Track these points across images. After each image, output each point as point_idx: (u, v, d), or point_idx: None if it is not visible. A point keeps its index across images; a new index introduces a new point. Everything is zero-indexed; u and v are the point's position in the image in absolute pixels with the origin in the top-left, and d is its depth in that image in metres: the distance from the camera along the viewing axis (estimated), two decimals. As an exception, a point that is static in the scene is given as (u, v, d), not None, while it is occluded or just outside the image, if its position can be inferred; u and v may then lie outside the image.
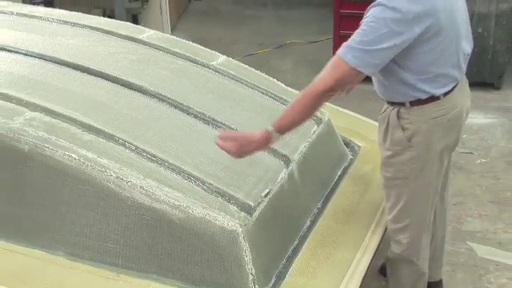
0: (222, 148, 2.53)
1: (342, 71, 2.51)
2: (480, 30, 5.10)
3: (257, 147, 2.57)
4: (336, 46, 5.44)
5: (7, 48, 3.22)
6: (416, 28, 2.46)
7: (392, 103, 2.72)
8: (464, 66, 2.76)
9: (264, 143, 2.56)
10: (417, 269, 2.97)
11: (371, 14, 2.51)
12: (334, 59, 2.56)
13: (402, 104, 2.68)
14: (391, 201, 2.85)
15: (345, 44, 2.54)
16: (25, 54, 3.19)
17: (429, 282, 3.24)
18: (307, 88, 2.55)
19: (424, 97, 2.64)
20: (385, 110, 2.78)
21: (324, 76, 2.56)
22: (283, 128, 2.55)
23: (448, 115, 2.70)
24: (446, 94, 2.68)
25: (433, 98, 2.66)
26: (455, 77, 2.70)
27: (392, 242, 2.95)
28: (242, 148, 2.54)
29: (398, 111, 2.69)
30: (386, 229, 2.98)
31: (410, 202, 2.80)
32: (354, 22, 5.35)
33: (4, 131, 2.63)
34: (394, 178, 2.79)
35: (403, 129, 2.69)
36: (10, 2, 4.00)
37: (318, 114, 3.23)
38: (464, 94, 2.79)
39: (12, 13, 3.73)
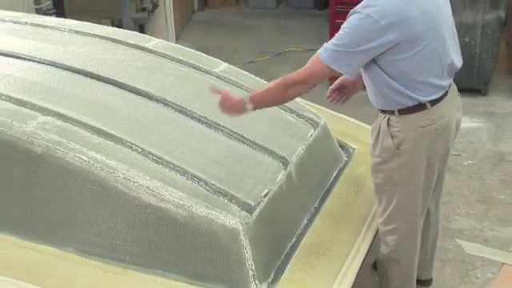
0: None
1: (316, 67, 2.58)
2: (467, 39, 5.09)
3: (231, 107, 2.67)
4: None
5: (22, 56, 3.22)
6: (390, 35, 2.45)
7: (383, 111, 2.71)
8: (450, 78, 2.73)
9: (237, 107, 2.65)
10: (404, 270, 2.96)
11: (349, 20, 2.60)
12: (312, 57, 2.63)
13: (392, 112, 2.66)
14: (382, 205, 2.83)
15: (324, 45, 2.60)
16: (38, 62, 3.18)
17: (419, 280, 3.24)
18: (286, 76, 2.64)
19: (411, 104, 2.61)
20: (377, 119, 2.76)
21: (300, 70, 2.64)
22: (255, 102, 2.64)
23: (435, 125, 2.66)
24: (432, 103, 2.64)
25: (420, 107, 2.63)
26: (440, 86, 2.66)
27: (381, 243, 2.94)
28: (221, 103, 2.68)
29: (388, 119, 2.67)
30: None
31: (399, 207, 2.78)
32: (348, 31, 5.37)
33: (18, 134, 2.62)
34: (383, 183, 2.78)
35: (392, 136, 2.67)
36: (25, 13, 4.00)
37: (314, 118, 3.23)
38: (454, 106, 2.77)
39: (26, 23, 3.73)
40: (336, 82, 3.05)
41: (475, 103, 5.09)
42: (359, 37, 2.50)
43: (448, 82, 2.72)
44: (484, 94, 5.28)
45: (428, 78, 2.62)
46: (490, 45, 5.12)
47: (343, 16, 5.15)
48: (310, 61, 2.63)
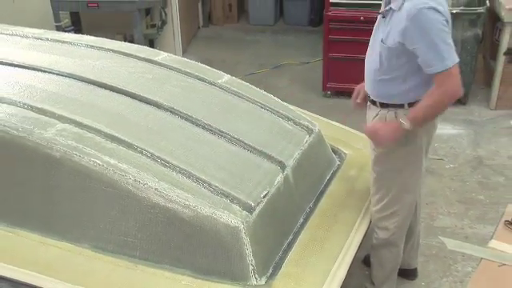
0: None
1: (454, 74, 2.52)
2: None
3: (388, 132, 2.64)
4: (325, 67, 5.48)
5: (43, 69, 3.22)
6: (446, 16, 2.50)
7: (388, 105, 2.70)
8: None
9: (395, 129, 2.63)
10: (398, 253, 2.99)
11: (420, 20, 2.46)
12: (440, 73, 2.50)
13: (401, 106, 2.67)
14: (381, 192, 2.84)
15: (437, 58, 2.49)
16: (57, 74, 3.18)
17: (406, 269, 3.24)
18: (442, 92, 2.53)
19: (423, 95, 2.60)
20: (377, 114, 2.75)
21: (448, 84, 2.52)
22: (416, 120, 2.59)
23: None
24: None
25: None
26: None
27: (378, 230, 2.95)
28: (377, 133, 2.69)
29: (395, 113, 2.68)
30: (369, 225, 2.96)
31: (400, 191, 2.81)
32: (340, 46, 5.42)
33: (39, 140, 2.63)
34: (387, 170, 2.80)
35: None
36: (46, 30, 4.00)
37: (309, 125, 3.22)
38: None
39: (47, 39, 3.73)
40: (357, 95, 3.02)
41: (456, 112, 5.10)
42: (444, 30, 2.47)
43: None
44: (464, 103, 5.28)
45: None
46: (469, 59, 5.12)
47: (336, 32, 5.28)
48: (439, 78, 2.52)
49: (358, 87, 3.02)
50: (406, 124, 2.57)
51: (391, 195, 2.83)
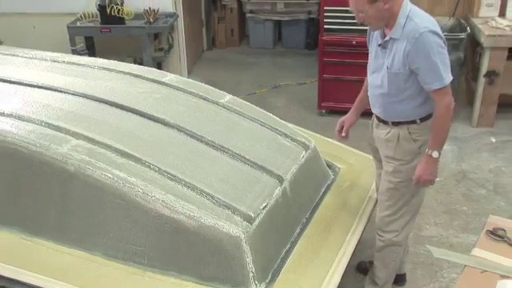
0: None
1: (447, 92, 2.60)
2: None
3: (428, 172, 2.70)
4: (320, 87, 5.48)
5: (59, 89, 3.22)
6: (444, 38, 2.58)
7: (400, 123, 2.73)
8: None
9: (432, 167, 2.69)
10: (400, 252, 3.01)
11: (422, 42, 2.52)
12: (436, 90, 2.58)
13: (413, 121, 2.70)
14: (393, 199, 2.85)
15: (435, 78, 2.56)
16: (72, 94, 3.18)
17: (397, 274, 3.23)
18: (441, 112, 2.62)
19: (432, 110, 2.68)
20: (389, 132, 2.77)
21: (442, 99, 2.60)
22: (438, 146, 2.66)
23: None
24: None
25: (432, 113, 2.71)
26: None
27: (384, 233, 2.94)
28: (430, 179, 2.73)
29: (408, 128, 2.72)
30: (362, 233, 2.95)
31: (411, 196, 2.84)
32: (334, 68, 5.44)
33: (55, 155, 2.63)
34: (402, 181, 2.80)
35: (414, 140, 2.73)
36: (63, 53, 4.02)
37: (306, 141, 3.22)
38: None
39: (64, 61, 3.74)
40: (342, 127, 3.08)
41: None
42: (443, 51, 2.56)
43: None
44: (448, 121, 5.27)
45: None
46: (453, 80, 5.10)
47: (330, 55, 5.29)
48: (437, 94, 2.59)
49: (340, 121, 3.08)
50: (435, 154, 2.65)
51: (402, 201, 2.85)
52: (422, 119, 2.70)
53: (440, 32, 2.56)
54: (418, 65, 2.54)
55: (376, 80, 2.75)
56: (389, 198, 2.87)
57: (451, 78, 2.57)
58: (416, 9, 2.61)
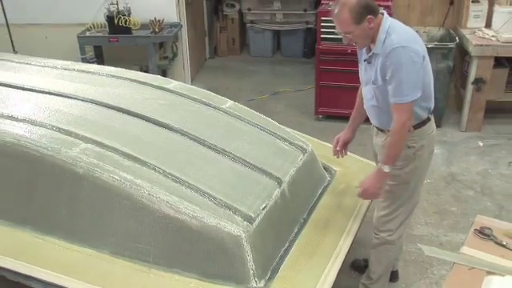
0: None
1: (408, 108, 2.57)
2: (425, 82, 5.10)
3: (375, 185, 2.68)
4: (317, 93, 5.48)
5: (69, 95, 3.23)
6: (421, 52, 2.53)
7: None
8: None
9: (379, 179, 2.67)
10: (395, 251, 3.02)
11: (394, 58, 2.50)
12: (396, 105, 2.57)
13: None
14: (389, 201, 2.86)
15: (396, 93, 2.54)
16: (81, 100, 3.18)
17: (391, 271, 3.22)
18: (395, 128, 2.60)
19: (425, 116, 2.68)
20: (386, 139, 2.75)
21: (399, 115, 2.58)
22: (391, 161, 2.63)
23: (434, 131, 2.80)
24: (431, 115, 2.75)
25: (427, 119, 2.71)
26: (433, 98, 2.75)
27: (380, 232, 2.94)
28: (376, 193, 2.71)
29: None
30: (356, 233, 2.94)
31: (406, 198, 2.84)
32: (330, 75, 5.44)
33: (65, 158, 2.64)
34: (397, 184, 2.79)
35: (409, 147, 2.71)
36: (73, 62, 4.03)
37: (303, 145, 3.21)
38: None
39: (74, 69, 3.75)
40: (337, 144, 3.09)
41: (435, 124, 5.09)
42: (413, 67, 2.50)
43: None
44: (438, 126, 5.19)
45: (431, 89, 2.71)
46: (443, 87, 5.12)
47: (326, 63, 5.29)
48: (395, 108, 2.57)
49: (336, 138, 3.10)
50: (386, 168, 2.63)
51: (398, 202, 2.85)
52: (415, 126, 2.69)
53: (414, 44, 2.52)
54: (387, 77, 2.53)
55: (368, 93, 2.77)
56: (385, 199, 2.87)
57: (413, 98, 2.52)
58: (395, 23, 2.59)
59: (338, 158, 3.14)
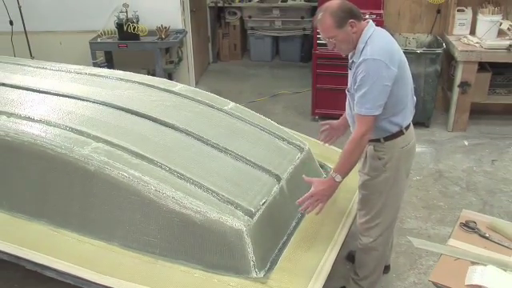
0: (309, 211, 2.56)
1: (365, 121, 2.44)
2: (414, 86, 5.05)
3: (324, 191, 2.53)
4: (314, 95, 5.47)
5: (81, 98, 3.22)
6: (393, 68, 2.38)
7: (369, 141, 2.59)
8: (413, 108, 2.69)
9: (330, 186, 2.53)
10: (379, 255, 2.90)
11: (363, 69, 2.38)
12: (358, 115, 2.45)
13: (378, 140, 2.59)
14: (366, 209, 2.77)
15: (358, 104, 2.43)
16: (93, 102, 3.18)
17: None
18: (352, 138, 2.47)
19: (395, 130, 2.55)
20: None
21: (358, 127, 2.46)
22: (343, 171, 2.51)
23: (409, 145, 2.64)
24: (406, 128, 2.61)
25: (400, 133, 2.58)
26: (411, 111, 2.64)
27: (362, 237, 2.86)
28: (322, 200, 2.54)
29: (374, 146, 2.61)
30: (350, 227, 2.93)
31: (382, 209, 2.73)
32: (326, 78, 5.43)
33: (77, 156, 2.63)
34: (371, 194, 2.71)
35: (379, 158, 2.61)
36: (85, 66, 4.02)
37: (301, 144, 3.20)
38: (413, 132, 2.74)
39: (86, 73, 3.74)
40: (324, 123, 2.99)
41: (421, 133, 5.08)
42: (379, 82, 2.37)
43: (413, 110, 2.68)
44: (427, 126, 5.27)
45: (408, 103, 2.58)
46: (431, 90, 5.12)
47: (322, 67, 5.29)
48: (357, 118, 2.46)
49: (326, 121, 3.02)
50: (338, 178, 2.51)
51: (374, 212, 2.74)
52: (386, 138, 2.58)
53: (389, 60, 2.36)
54: (357, 85, 2.42)
55: (348, 104, 2.68)
56: (362, 207, 2.80)
57: (371, 114, 2.39)
58: (376, 34, 2.45)
59: (320, 139, 3.02)
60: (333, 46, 2.52)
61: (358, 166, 2.73)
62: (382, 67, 2.36)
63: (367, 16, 4.41)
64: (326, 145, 3.08)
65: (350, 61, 2.56)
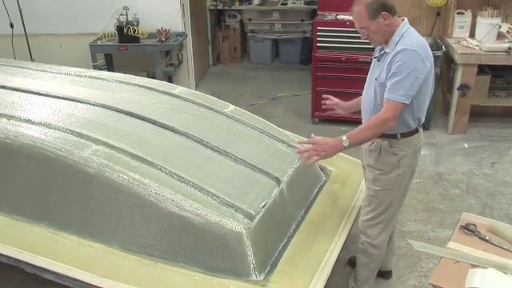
0: (302, 152, 2.60)
1: (395, 106, 2.49)
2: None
3: (329, 147, 2.55)
4: (314, 99, 5.47)
5: (81, 100, 3.22)
6: (427, 63, 2.49)
7: (382, 136, 2.62)
8: None
9: (335, 145, 2.55)
10: (380, 254, 2.94)
11: (399, 59, 2.47)
12: (388, 99, 2.50)
13: (394, 136, 2.63)
14: (373, 205, 2.79)
15: (391, 89, 2.49)
16: (93, 104, 3.17)
17: (384, 271, 3.20)
18: (377, 117, 2.53)
19: (413, 126, 2.62)
20: (372, 142, 2.69)
21: (385, 110, 2.52)
22: (354, 138, 2.54)
23: (420, 143, 2.73)
24: (420, 126, 2.69)
25: (415, 131, 2.65)
26: (425, 111, 2.69)
27: (364, 236, 2.88)
28: (319, 152, 2.56)
29: (389, 142, 2.65)
30: (351, 229, 2.93)
31: (389, 206, 2.77)
32: (326, 81, 5.44)
33: (77, 159, 2.63)
34: (381, 190, 2.74)
35: (394, 154, 2.66)
36: (85, 69, 4.02)
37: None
38: None
39: (86, 76, 3.74)
40: (330, 99, 3.04)
41: (423, 135, 5.08)
42: (414, 72, 2.45)
43: None
44: (427, 129, 5.26)
45: (427, 102, 2.65)
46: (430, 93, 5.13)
47: (322, 70, 5.29)
48: (386, 103, 2.51)
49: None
50: (346, 141, 2.53)
51: (380, 209, 2.78)
52: (403, 135, 2.63)
53: (425, 55, 2.48)
54: (391, 73, 2.48)
55: (367, 92, 2.71)
56: (369, 204, 2.82)
57: (404, 101, 2.47)
58: (412, 31, 2.58)
59: (322, 103, 3.04)
60: (365, 36, 2.60)
61: (367, 161, 2.76)
62: (419, 60, 2.46)
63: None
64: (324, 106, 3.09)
65: (382, 52, 2.62)
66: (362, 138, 2.58)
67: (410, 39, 2.51)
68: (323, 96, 3.06)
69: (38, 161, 2.72)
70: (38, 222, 2.76)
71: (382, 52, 2.61)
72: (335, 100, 3.02)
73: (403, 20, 2.60)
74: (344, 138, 2.54)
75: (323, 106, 3.08)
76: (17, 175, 2.82)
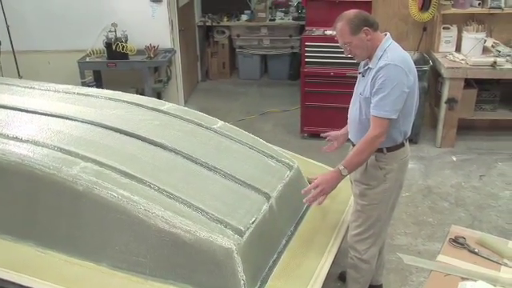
0: (312, 201, 2.64)
1: (382, 123, 2.53)
2: (402, 102, 5.14)
3: (331, 183, 2.59)
4: (302, 114, 5.50)
5: (69, 117, 3.20)
6: (410, 77, 2.52)
7: None
8: None
9: (336, 179, 2.60)
10: (370, 269, 2.94)
11: (383, 74, 2.50)
12: (374, 116, 2.54)
13: (380, 150, 2.64)
14: (361, 220, 2.80)
15: (376, 105, 2.53)
16: (81, 121, 3.16)
17: (374, 285, 3.19)
18: (366, 138, 2.55)
19: (399, 140, 2.64)
20: None
21: (373, 128, 2.56)
22: (351, 166, 2.59)
23: (407, 157, 2.75)
24: (406, 140, 2.71)
25: (401, 145, 2.68)
26: (411, 124, 2.72)
27: (353, 251, 2.89)
28: (325, 191, 2.60)
29: (375, 156, 2.66)
30: (341, 244, 2.93)
31: (377, 220, 2.78)
32: (314, 96, 5.47)
33: (66, 176, 2.60)
34: (368, 204, 2.75)
35: (380, 168, 2.68)
36: (74, 85, 4.01)
37: (290, 162, 3.21)
38: None
39: (74, 92, 3.73)
40: (326, 134, 3.06)
41: (410, 150, 5.10)
42: (399, 87, 2.49)
43: None
44: (415, 142, 5.30)
45: (413, 115, 2.68)
46: (418, 106, 5.04)
47: (311, 85, 5.33)
48: (373, 120, 2.54)
49: (328, 133, 3.06)
50: (344, 171, 2.58)
51: (368, 223, 2.79)
52: (389, 149, 2.66)
53: (408, 69, 2.52)
54: (374, 89, 2.52)
55: (353, 107, 2.75)
56: (356, 218, 2.84)
57: (391, 117, 2.50)
58: (395, 45, 2.61)
59: (323, 149, 3.05)
60: (348, 51, 2.64)
61: (354, 176, 2.77)
62: (403, 74, 2.50)
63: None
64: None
65: (365, 68, 2.66)
66: (358, 161, 2.60)
67: (392, 54, 2.54)
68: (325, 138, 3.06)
69: (26, 178, 2.69)
70: (26, 241, 2.73)
71: (366, 67, 2.65)
72: (332, 133, 3.04)
73: (386, 35, 2.64)
74: (341, 167, 2.59)
75: (328, 151, 3.07)
76: (4, 193, 2.79)
